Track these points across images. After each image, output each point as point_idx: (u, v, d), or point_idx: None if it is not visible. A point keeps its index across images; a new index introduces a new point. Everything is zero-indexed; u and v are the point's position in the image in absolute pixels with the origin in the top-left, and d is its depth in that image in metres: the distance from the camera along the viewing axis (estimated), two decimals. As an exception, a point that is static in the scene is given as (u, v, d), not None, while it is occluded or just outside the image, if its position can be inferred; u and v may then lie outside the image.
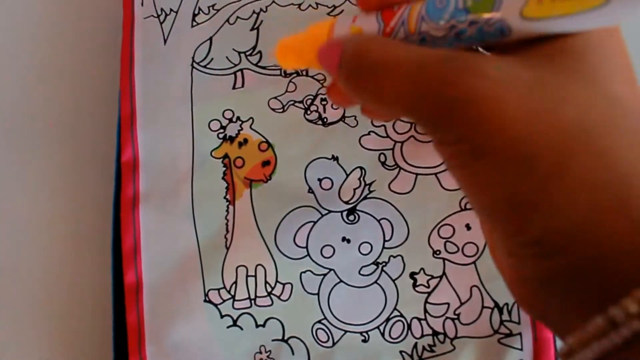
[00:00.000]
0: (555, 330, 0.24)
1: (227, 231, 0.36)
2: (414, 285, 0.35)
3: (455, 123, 0.23)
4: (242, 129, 0.37)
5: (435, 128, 0.24)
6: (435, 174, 0.36)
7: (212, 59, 0.38)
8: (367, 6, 0.27)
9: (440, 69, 0.23)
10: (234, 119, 0.37)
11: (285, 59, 0.31)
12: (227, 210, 0.36)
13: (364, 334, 0.35)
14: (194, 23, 0.39)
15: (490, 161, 0.22)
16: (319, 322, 0.35)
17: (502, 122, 0.22)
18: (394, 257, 0.36)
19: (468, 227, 0.35)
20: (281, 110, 0.37)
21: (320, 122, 0.37)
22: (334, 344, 0.35)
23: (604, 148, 0.21)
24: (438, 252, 0.36)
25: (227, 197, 0.37)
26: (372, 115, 0.33)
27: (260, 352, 0.35)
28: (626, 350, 0.20)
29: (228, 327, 0.36)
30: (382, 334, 0.35)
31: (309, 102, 0.37)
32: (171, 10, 0.39)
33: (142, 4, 0.40)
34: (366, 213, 0.36)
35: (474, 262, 0.35)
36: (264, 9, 0.38)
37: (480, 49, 0.25)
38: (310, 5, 0.38)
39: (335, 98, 0.31)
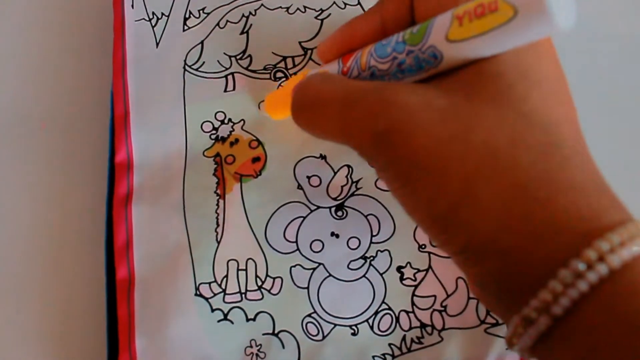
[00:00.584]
0: (503, 321, 0.27)
1: (218, 225, 0.37)
2: (401, 279, 0.36)
3: (380, 153, 0.25)
4: (233, 130, 0.38)
5: (366, 157, 0.27)
6: (420, 170, 0.37)
7: (203, 62, 0.39)
8: (327, 60, 0.32)
9: (366, 105, 0.25)
10: (226, 121, 0.38)
11: (273, 112, 0.37)
12: (218, 204, 0.37)
13: (354, 327, 0.36)
14: (186, 27, 0.40)
15: (411, 188, 0.25)
16: (309, 315, 0.36)
17: (417, 152, 0.24)
18: (381, 251, 0.36)
19: (452, 220, 0.36)
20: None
21: (308, 124, 0.38)
22: (324, 337, 0.36)
23: (508, 167, 0.23)
24: (423, 246, 0.36)
25: (218, 191, 0.37)
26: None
27: (251, 346, 0.36)
28: (545, 341, 0.23)
29: (219, 321, 0.36)
30: (371, 327, 0.36)
31: (297, 104, 0.38)
32: (162, 14, 0.40)
33: (132, 6, 0.40)
34: (354, 209, 0.37)
35: (459, 255, 0.36)
36: (253, 12, 0.40)
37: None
38: (298, 9, 0.39)
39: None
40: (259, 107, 0.38)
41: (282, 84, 0.38)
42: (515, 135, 0.23)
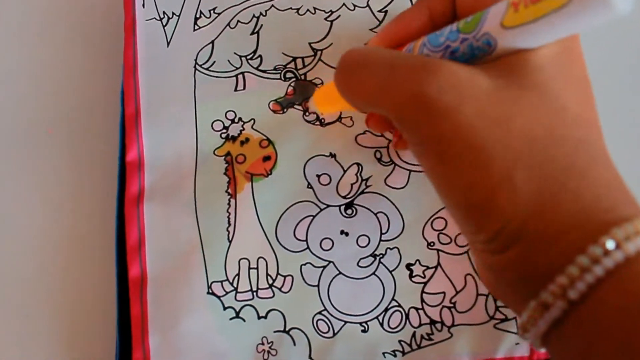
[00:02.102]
0: (514, 312, 0.27)
1: (229, 224, 0.37)
2: (411, 276, 0.37)
3: (423, 121, 0.25)
4: (244, 129, 0.38)
5: (404, 124, 0.26)
6: (429, 169, 0.37)
7: (214, 62, 0.39)
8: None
9: (410, 69, 0.25)
10: (236, 120, 0.39)
11: (323, 107, 0.36)
12: (229, 204, 0.37)
13: (364, 324, 0.36)
14: (196, 27, 0.40)
15: (452, 167, 0.25)
16: (320, 313, 0.36)
17: (464, 127, 0.24)
18: (391, 249, 0.37)
19: (460, 218, 0.37)
20: (281, 111, 0.39)
21: (318, 123, 0.38)
22: (334, 334, 0.36)
23: (544, 157, 0.24)
24: (432, 244, 0.37)
25: (229, 190, 0.37)
26: (375, 126, 0.36)
27: (263, 343, 0.36)
28: (559, 328, 0.23)
29: (231, 318, 0.36)
30: (381, 324, 0.36)
31: (307, 104, 0.39)
32: (173, 13, 0.40)
33: (143, 6, 0.41)
34: (363, 207, 0.37)
35: (466, 252, 0.37)
36: (264, 13, 0.40)
37: None
38: (308, 10, 0.40)
39: (371, 125, 0.36)
40: (308, 103, 0.39)
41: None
42: (552, 128, 0.24)
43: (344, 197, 0.37)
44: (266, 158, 0.38)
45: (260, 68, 0.39)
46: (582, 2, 0.22)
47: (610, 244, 0.22)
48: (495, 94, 0.24)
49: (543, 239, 0.24)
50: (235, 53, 0.40)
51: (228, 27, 0.40)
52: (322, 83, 0.39)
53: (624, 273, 0.22)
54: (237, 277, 0.37)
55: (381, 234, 0.37)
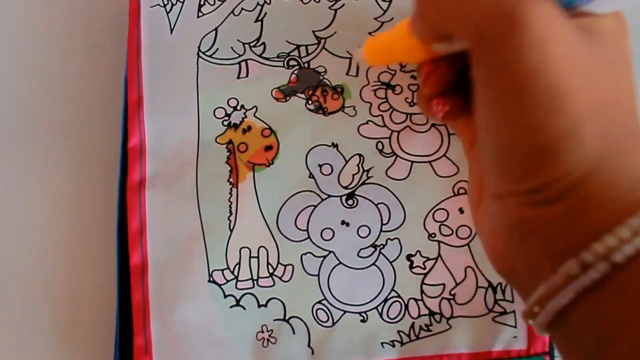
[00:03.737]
0: (519, 287, 0.26)
1: (231, 213, 0.37)
2: (411, 267, 0.37)
3: (505, 43, 0.23)
4: (246, 117, 0.38)
5: (483, 43, 0.24)
6: (430, 162, 0.37)
7: (217, 49, 0.39)
8: None
9: None
10: (239, 107, 0.39)
11: (375, 57, 0.34)
12: (231, 193, 0.37)
13: (363, 314, 0.36)
14: (200, 14, 0.40)
15: (522, 102, 0.23)
16: (319, 302, 0.37)
17: (547, 64, 0.22)
18: (391, 240, 0.37)
19: (461, 210, 0.37)
20: (284, 99, 0.38)
21: (320, 112, 0.38)
22: (333, 323, 0.36)
23: (611, 121, 0.24)
24: (433, 235, 0.37)
25: (231, 179, 0.38)
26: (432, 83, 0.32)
27: (262, 332, 0.36)
28: (594, 294, 0.22)
29: (231, 306, 0.37)
30: (380, 314, 0.36)
31: (310, 92, 0.38)
32: (177, 0, 0.40)
33: None
34: (364, 198, 0.37)
35: (467, 244, 0.37)
36: (268, 1, 0.39)
37: None
38: (312, -1, 0.40)
39: (430, 83, 0.31)
40: (354, 53, 0.38)
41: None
42: (619, 95, 0.25)
43: (346, 188, 0.37)
44: (268, 147, 0.38)
45: (263, 55, 0.39)
46: None
47: None
48: (582, 44, 0.24)
49: (600, 196, 0.23)
50: (238, 40, 0.39)
51: (232, 14, 0.40)
52: (325, 71, 0.39)
53: None
54: (237, 266, 0.37)
55: (382, 224, 0.37)
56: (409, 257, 0.37)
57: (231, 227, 0.37)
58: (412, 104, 0.38)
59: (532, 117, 0.23)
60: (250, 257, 0.37)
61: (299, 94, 0.38)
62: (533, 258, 0.25)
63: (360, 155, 0.38)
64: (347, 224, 0.37)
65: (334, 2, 0.39)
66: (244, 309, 0.37)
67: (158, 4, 0.40)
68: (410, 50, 0.31)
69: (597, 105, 0.23)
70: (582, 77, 0.23)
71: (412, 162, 0.37)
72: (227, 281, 0.37)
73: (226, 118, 0.39)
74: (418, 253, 0.37)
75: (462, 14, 0.24)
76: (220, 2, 0.40)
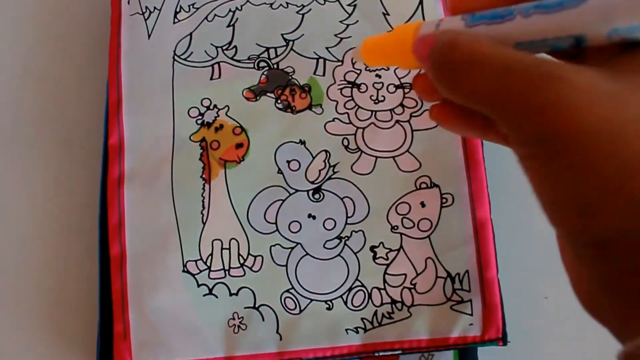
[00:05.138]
0: (613, 333, 0.24)
1: (204, 207, 0.39)
2: (374, 258, 0.38)
3: (537, 126, 0.23)
4: (218, 116, 0.40)
5: (516, 128, 0.24)
6: (393, 157, 0.39)
7: (191, 52, 0.41)
8: (456, 10, 0.28)
9: (527, 74, 0.23)
10: (211, 107, 0.41)
11: (370, 57, 0.34)
12: (204, 188, 0.39)
13: (329, 302, 0.38)
14: (176, 20, 0.42)
15: (564, 163, 0.23)
16: (287, 291, 0.38)
17: (581, 129, 0.22)
18: (356, 232, 0.39)
19: (422, 204, 0.38)
20: (254, 99, 0.40)
21: (289, 110, 0.40)
22: (300, 311, 0.38)
23: None
24: (396, 228, 0.39)
25: (204, 176, 0.40)
26: (448, 122, 0.32)
27: (234, 319, 0.38)
28: None
29: (204, 295, 0.39)
30: (345, 303, 0.38)
31: (279, 92, 0.40)
32: (155, 7, 0.42)
33: (128, 2, 0.43)
34: (330, 192, 0.39)
35: (428, 237, 0.38)
36: (239, 8, 0.42)
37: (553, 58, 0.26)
38: (281, 5, 0.41)
39: (418, 90, 0.31)
40: (352, 52, 0.39)
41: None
42: None
43: (312, 183, 0.39)
44: (239, 145, 0.40)
45: (235, 58, 0.41)
46: None
47: None
48: (620, 99, 0.23)
49: None
50: (211, 44, 0.42)
51: (206, 20, 0.42)
52: (293, 71, 0.40)
53: None
54: (210, 257, 0.39)
55: (347, 217, 0.39)
56: (372, 248, 0.38)
57: (204, 221, 0.39)
58: (376, 101, 0.40)
59: (578, 176, 0.23)
60: (222, 248, 0.39)
61: (268, 94, 0.40)
62: (623, 313, 0.24)
63: (326, 151, 0.39)
64: (314, 217, 0.39)
65: (301, 7, 0.41)
66: (216, 297, 0.38)
67: (137, 12, 0.42)
68: (405, 58, 0.31)
69: None
70: (627, 128, 0.22)
71: (377, 157, 0.39)
72: (200, 271, 0.39)
73: (200, 117, 0.41)
74: (381, 245, 0.38)
75: (488, 104, 0.25)
76: (195, 9, 0.42)
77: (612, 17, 0.23)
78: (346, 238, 0.39)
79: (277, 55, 0.41)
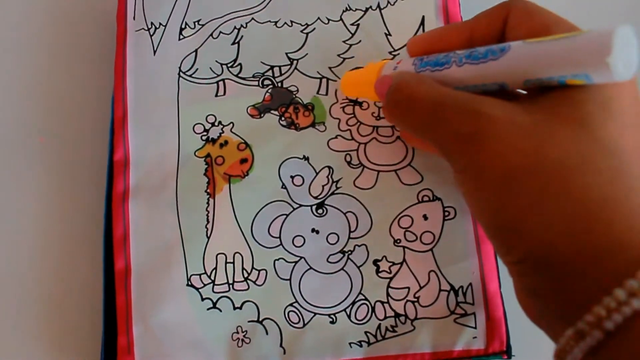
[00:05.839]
0: (547, 334, 0.28)
1: (208, 222, 0.40)
2: (377, 272, 0.39)
3: (462, 153, 0.28)
4: (223, 132, 0.41)
5: (449, 156, 0.29)
6: (395, 170, 0.40)
7: (197, 69, 0.42)
8: (413, 52, 0.35)
9: (455, 110, 0.28)
10: (216, 123, 0.41)
11: (347, 90, 0.40)
12: (208, 203, 0.40)
13: (332, 316, 0.38)
14: (181, 36, 0.43)
15: (485, 191, 0.27)
16: (291, 305, 0.38)
17: (494, 159, 0.26)
18: (359, 246, 0.39)
19: (425, 217, 0.39)
20: (258, 116, 0.41)
21: (293, 127, 0.41)
22: (304, 325, 0.38)
23: (576, 186, 0.25)
24: (398, 241, 0.39)
25: (208, 190, 0.40)
26: (410, 142, 0.39)
27: (237, 332, 0.38)
28: (594, 356, 0.24)
29: (208, 309, 0.39)
30: (349, 316, 0.38)
31: (283, 110, 0.41)
32: (160, 24, 0.43)
33: (134, 18, 0.43)
34: (333, 207, 0.39)
35: (431, 250, 0.39)
36: (244, 25, 0.42)
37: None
38: (285, 23, 0.42)
39: (405, 138, 0.39)
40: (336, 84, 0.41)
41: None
42: (587, 158, 0.25)
43: (316, 198, 0.40)
44: (243, 160, 0.40)
45: (240, 75, 0.42)
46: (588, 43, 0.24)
47: None
48: (531, 128, 0.26)
49: (576, 265, 0.24)
50: (216, 61, 0.42)
51: (211, 37, 0.43)
52: (297, 90, 0.41)
53: None
54: (214, 271, 0.39)
55: (350, 232, 0.39)
56: (375, 262, 0.39)
57: (208, 235, 0.39)
58: (378, 117, 0.40)
59: (492, 203, 0.27)
60: (226, 262, 0.39)
61: (272, 111, 0.41)
62: (544, 319, 0.28)
63: (329, 167, 0.40)
64: (317, 232, 0.39)
65: (305, 26, 0.42)
66: (220, 311, 0.39)
67: (143, 28, 0.43)
68: (372, 93, 0.36)
69: (560, 175, 0.25)
70: (533, 157, 0.26)
71: (379, 171, 0.40)
72: (204, 285, 0.39)
73: (205, 133, 0.41)
74: (384, 258, 0.39)
75: (424, 134, 0.30)
76: (200, 27, 0.43)
77: (525, 71, 0.27)
78: (349, 252, 0.39)
79: (281, 74, 0.42)
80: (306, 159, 0.40)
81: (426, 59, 0.32)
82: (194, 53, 0.42)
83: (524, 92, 0.30)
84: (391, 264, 0.39)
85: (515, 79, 0.28)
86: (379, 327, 0.38)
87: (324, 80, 0.41)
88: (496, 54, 0.28)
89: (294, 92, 0.41)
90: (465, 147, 0.27)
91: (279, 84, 0.42)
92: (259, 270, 0.39)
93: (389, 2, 0.42)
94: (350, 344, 0.38)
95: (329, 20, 0.42)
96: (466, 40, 0.32)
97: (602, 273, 0.24)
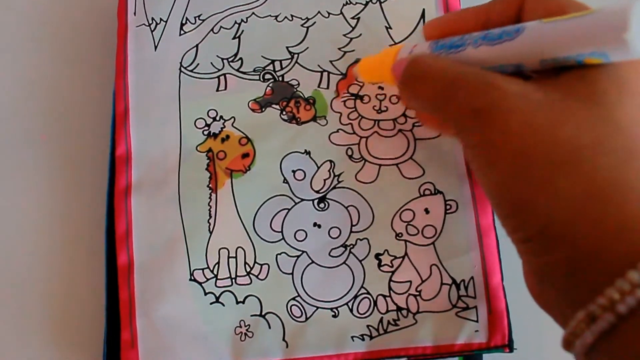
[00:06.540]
0: (556, 320, 0.27)
1: (210, 216, 0.40)
2: (379, 265, 0.39)
3: (475, 127, 0.27)
4: (224, 127, 0.41)
5: (462, 131, 0.29)
6: (397, 164, 0.40)
7: (198, 64, 0.42)
8: (430, 36, 0.35)
9: (469, 83, 0.28)
10: (218, 118, 0.41)
11: (366, 76, 0.39)
12: (210, 198, 0.40)
13: (334, 309, 0.38)
14: (182, 32, 0.43)
15: (498, 167, 0.27)
16: (293, 299, 0.39)
17: (509, 133, 0.26)
18: (361, 240, 0.39)
19: (427, 211, 0.39)
20: (260, 110, 0.41)
21: (294, 122, 0.41)
22: (306, 319, 0.38)
23: (589, 166, 0.24)
24: (400, 235, 0.39)
25: (210, 185, 0.40)
26: (424, 122, 0.39)
27: (240, 326, 0.39)
28: (606, 340, 0.23)
29: (211, 303, 0.39)
30: (351, 310, 0.38)
31: (284, 104, 0.41)
32: (161, 19, 0.43)
33: (134, 14, 0.44)
34: (335, 201, 0.40)
35: (432, 243, 0.39)
36: (245, 20, 0.42)
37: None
38: (285, 17, 0.42)
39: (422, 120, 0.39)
40: (352, 68, 0.41)
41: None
42: (601, 138, 0.25)
43: (317, 192, 0.40)
44: (245, 155, 0.40)
45: (240, 70, 0.42)
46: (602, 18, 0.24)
47: None
48: (546, 105, 0.26)
49: (588, 246, 0.24)
50: (217, 56, 0.42)
51: (212, 32, 0.43)
52: (298, 84, 0.41)
53: None
54: (217, 265, 0.39)
55: (352, 225, 0.39)
56: (377, 256, 0.39)
57: (211, 230, 0.40)
58: (379, 111, 0.40)
59: (504, 180, 0.27)
60: (229, 257, 0.39)
61: (273, 105, 0.41)
62: (552, 302, 0.27)
63: (331, 161, 0.40)
64: (319, 226, 0.39)
65: (305, 20, 0.42)
66: (223, 305, 0.39)
67: (143, 24, 0.43)
68: (389, 77, 0.36)
69: (573, 154, 0.25)
70: (547, 134, 0.25)
71: (380, 165, 0.40)
72: (207, 280, 0.39)
73: (206, 128, 0.41)
74: (386, 252, 0.39)
75: (438, 110, 0.30)
76: (201, 22, 0.43)
77: (541, 51, 0.27)
78: (351, 246, 0.39)
79: (282, 68, 0.42)
80: (307, 153, 0.40)
81: (442, 41, 0.32)
82: (195, 48, 0.43)
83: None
84: (393, 257, 0.39)
85: (532, 59, 0.28)
86: (381, 320, 0.38)
87: (325, 73, 0.41)
88: (511, 35, 0.28)
89: (295, 86, 0.41)
90: (478, 122, 0.27)
91: (280, 78, 0.42)
92: (262, 265, 0.39)
93: (389, -5, 0.42)
94: (352, 337, 0.38)
95: (329, 14, 0.42)
96: (482, 23, 0.32)
97: (614, 255, 0.23)
